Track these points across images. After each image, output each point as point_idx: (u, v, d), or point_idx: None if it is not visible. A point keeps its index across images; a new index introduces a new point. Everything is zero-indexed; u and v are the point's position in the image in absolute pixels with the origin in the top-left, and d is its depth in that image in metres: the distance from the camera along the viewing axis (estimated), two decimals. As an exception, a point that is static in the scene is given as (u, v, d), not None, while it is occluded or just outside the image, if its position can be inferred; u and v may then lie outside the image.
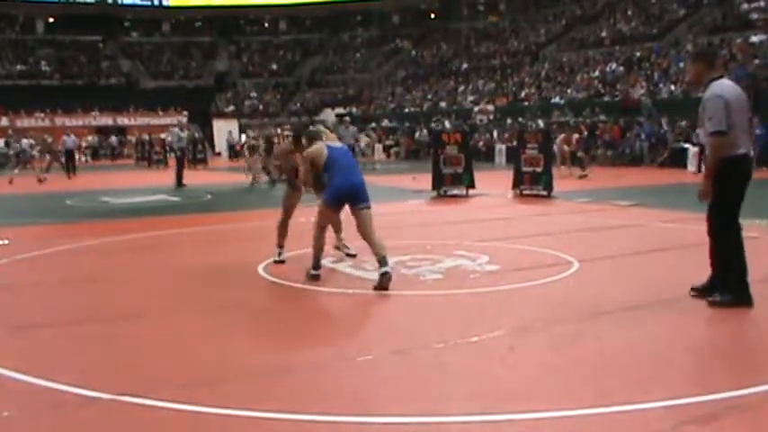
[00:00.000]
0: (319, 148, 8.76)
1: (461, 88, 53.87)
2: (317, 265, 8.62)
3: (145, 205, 18.63)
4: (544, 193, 18.01)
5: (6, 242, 11.93)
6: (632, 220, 13.44)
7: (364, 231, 8.45)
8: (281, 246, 9.74)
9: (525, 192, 18.35)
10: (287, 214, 9.91)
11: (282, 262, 9.58)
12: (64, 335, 6.78)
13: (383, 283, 8.06)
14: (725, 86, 7.15)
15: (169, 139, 27.95)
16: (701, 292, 7.39)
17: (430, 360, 5.72)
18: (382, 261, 8.16)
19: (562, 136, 26.54)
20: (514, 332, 6.41)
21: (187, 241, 10.33)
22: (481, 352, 5.91)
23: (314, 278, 8.53)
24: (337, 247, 10.04)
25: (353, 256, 9.74)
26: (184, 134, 28.70)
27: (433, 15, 72.67)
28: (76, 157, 36.09)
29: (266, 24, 79.62)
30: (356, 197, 8.57)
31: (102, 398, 4.94)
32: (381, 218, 14.78)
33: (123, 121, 59.07)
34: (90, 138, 52.98)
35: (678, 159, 28.99)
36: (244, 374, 5.41)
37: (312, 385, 5.27)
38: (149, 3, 76.56)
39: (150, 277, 9.09)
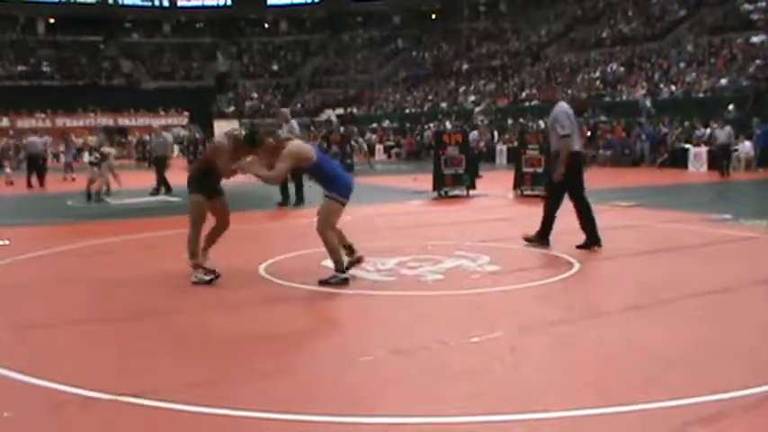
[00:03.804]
0: (305, 146, 8.75)
1: (462, 89, 53.89)
2: (342, 268, 8.43)
3: (146, 206, 18.62)
4: (545, 193, 17.97)
5: (8, 242, 11.92)
6: (633, 220, 13.44)
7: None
8: (200, 264, 8.81)
9: (526, 192, 18.34)
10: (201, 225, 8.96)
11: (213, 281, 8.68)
12: (64, 335, 6.77)
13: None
14: (565, 106, 10.70)
15: (157, 141, 25.57)
16: (583, 246, 10.42)
17: (430, 360, 5.72)
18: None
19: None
20: (515, 333, 6.41)
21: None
22: (482, 352, 5.90)
23: (344, 282, 8.33)
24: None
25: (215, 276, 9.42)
26: (170, 139, 27.66)
27: (433, 16, 72.73)
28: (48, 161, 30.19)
29: (267, 25, 79.68)
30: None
31: (103, 398, 4.93)
32: (382, 218, 14.87)
33: (124, 121, 59.17)
34: (90, 138, 52.93)
35: (679, 160, 28.99)
36: (244, 375, 5.41)
37: (313, 386, 5.26)
38: (150, 3, 76.67)
39: (151, 277, 9.07)
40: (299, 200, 16.97)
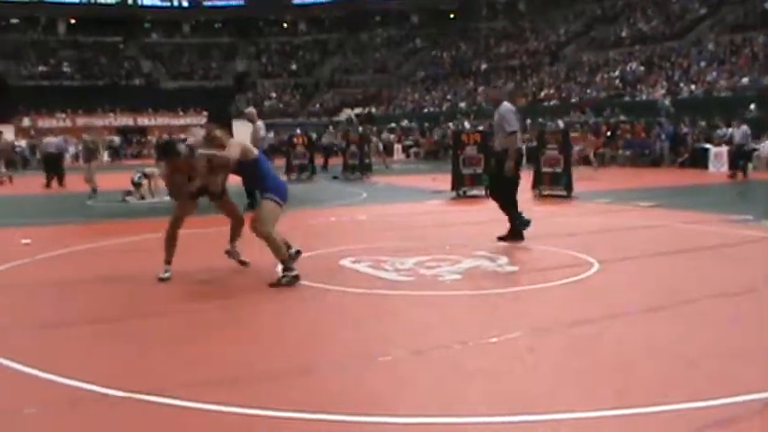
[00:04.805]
0: (245, 143, 9.04)
1: (481, 88, 53.83)
2: (290, 267, 8.51)
3: (165, 205, 18.62)
4: (564, 193, 17.97)
5: (28, 242, 11.99)
6: (653, 220, 13.38)
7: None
8: (169, 262, 9.09)
9: (545, 192, 18.31)
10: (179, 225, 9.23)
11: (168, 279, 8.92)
12: (84, 333, 6.81)
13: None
14: (509, 105, 11.53)
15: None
16: (503, 238, 11.07)
17: (449, 361, 5.72)
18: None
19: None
20: (534, 333, 6.40)
21: (207, 241, 10.36)
22: (500, 353, 5.90)
23: (295, 279, 8.42)
24: (229, 253, 9.66)
25: (245, 263, 9.57)
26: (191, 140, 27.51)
27: (451, 15, 72.66)
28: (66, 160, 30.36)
29: (286, 25, 79.85)
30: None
31: (119, 395, 4.96)
32: (401, 218, 14.89)
33: (144, 121, 59.39)
34: (109, 137, 53.21)
35: (699, 160, 28.83)
36: (263, 374, 5.42)
37: (331, 385, 5.27)
38: (169, 4, 77.00)
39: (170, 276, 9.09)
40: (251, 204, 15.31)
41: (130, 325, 7.09)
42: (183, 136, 19.10)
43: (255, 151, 8.87)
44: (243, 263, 9.54)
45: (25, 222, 15.31)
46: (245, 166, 8.82)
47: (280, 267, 8.56)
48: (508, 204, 11.30)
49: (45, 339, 6.66)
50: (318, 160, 30.64)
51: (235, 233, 9.56)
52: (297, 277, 8.41)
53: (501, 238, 11.12)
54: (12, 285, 8.97)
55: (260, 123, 17.70)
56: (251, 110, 18.57)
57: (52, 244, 11.94)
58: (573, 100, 42.42)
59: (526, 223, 11.19)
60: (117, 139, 54.22)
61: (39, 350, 6.23)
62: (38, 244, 11.86)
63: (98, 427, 4.63)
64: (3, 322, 7.18)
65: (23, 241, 12.02)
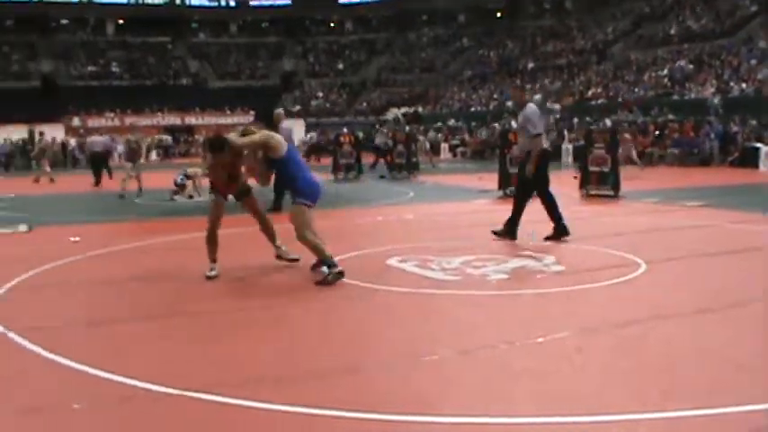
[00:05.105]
0: (278, 138, 8.99)
1: (528, 87, 53.52)
2: (332, 263, 8.52)
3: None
4: (611, 193, 17.85)
5: (77, 240, 12.16)
6: (701, 221, 13.25)
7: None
8: (215, 260, 9.23)
9: (592, 192, 18.20)
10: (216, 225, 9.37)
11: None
12: (133, 330, 6.90)
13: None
14: (534, 107, 11.51)
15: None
16: (552, 237, 11.15)
17: (495, 361, 5.72)
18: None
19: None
20: (580, 333, 6.38)
21: (253, 239, 10.41)
22: (547, 353, 5.89)
23: (340, 275, 8.43)
24: (279, 256, 9.75)
25: (296, 260, 9.61)
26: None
27: (498, 14, 72.46)
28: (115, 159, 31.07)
29: (332, 24, 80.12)
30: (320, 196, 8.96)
31: (170, 393, 5.03)
32: (447, 218, 14.89)
33: (191, 120, 59.86)
34: (158, 137, 53.73)
35: (749, 159, 28.43)
36: (309, 372, 5.45)
37: (377, 385, 5.30)
38: (217, 4, 77.59)
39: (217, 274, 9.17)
40: (277, 207, 15.48)
41: (178, 322, 7.18)
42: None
43: (283, 150, 8.82)
44: (293, 260, 9.61)
45: (74, 220, 15.52)
46: (276, 165, 8.90)
47: (325, 268, 8.60)
48: (519, 202, 11.49)
49: (94, 336, 6.76)
50: (367, 159, 30.67)
51: (268, 234, 9.68)
52: (341, 273, 8.44)
53: (548, 238, 11.14)
54: (62, 282, 9.11)
55: (285, 124, 17.28)
56: (278, 111, 18.25)
57: (101, 242, 12.11)
58: (620, 99, 42.01)
59: (513, 232, 11.40)
60: (169, 139, 54.71)
61: (88, 347, 6.34)
62: (87, 242, 12.04)
63: (146, 424, 4.69)
64: (53, 319, 7.30)
65: (73, 239, 12.20)
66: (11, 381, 5.55)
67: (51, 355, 5.92)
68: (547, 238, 11.14)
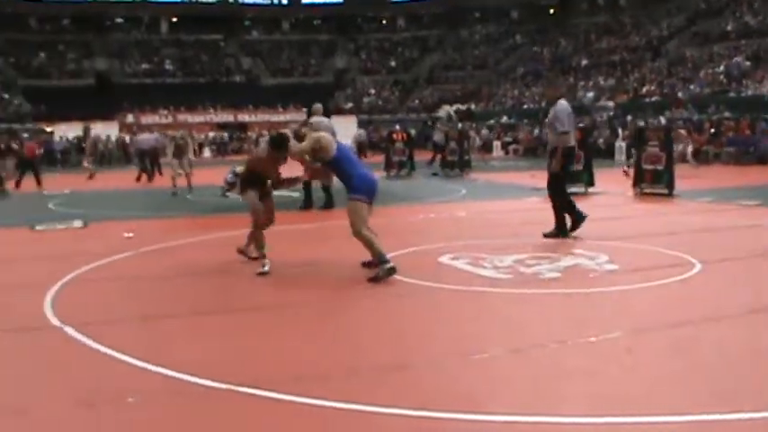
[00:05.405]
0: (328, 138, 8.98)
1: (581, 84, 53.15)
2: (385, 260, 8.50)
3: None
4: (665, 191, 17.64)
5: (131, 235, 12.31)
6: (757, 220, 13.05)
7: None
8: (264, 256, 9.36)
9: (646, 190, 18.01)
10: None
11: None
12: (184, 326, 6.99)
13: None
14: (565, 104, 11.53)
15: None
16: (550, 235, 11.24)
17: (546, 359, 5.69)
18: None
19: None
20: (633, 333, 6.32)
21: (301, 237, 10.48)
22: (599, 353, 5.85)
23: (392, 270, 8.43)
24: (240, 251, 9.99)
25: (252, 258, 9.68)
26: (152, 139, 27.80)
27: (551, 11, 72.02)
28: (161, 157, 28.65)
29: (384, 22, 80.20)
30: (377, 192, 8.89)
31: (221, 387, 5.07)
32: (500, 215, 14.83)
33: (244, 117, 60.25)
34: (212, 134, 54.22)
35: (808, 158, 27.97)
36: (359, 369, 5.48)
37: (427, 382, 5.29)
38: (269, 1, 78.02)
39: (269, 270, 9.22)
40: (328, 203, 15.41)
41: (229, 318, 7.24)
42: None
43: (333, 151, 8.82)
44: (249, 258, 9.79)
45: (128, 216, 15.70)
46: (331, 165, 8.93)
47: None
48: (559, 201, 11.48)
49: (147, 331, 6.84)
50: (421, 155, 30.65)
51: (254, 237, 9.73)
52: (393, 269, 8.44)
53: (546, 235, 11.35)
54: (116, 278, 9.24)
55: (316, 118, 15.90)
56: (316, 105, 17.61)
57: (154, 237, 12.26)
58: (678, 95, 41.52)
59: (581, 218, 11.33)
60: (225, 135, 55.16)
61: (142, 341, 6.40)
62: (140, 237, 12.18)
63: (197, 418, 4.74)
64: (108, 313, 7.41)
65: (126, 235, 12.35)
66: (67, 375, 5.64)
67: (106, 349, 6.01)
68: (545, 235, 11.32)
